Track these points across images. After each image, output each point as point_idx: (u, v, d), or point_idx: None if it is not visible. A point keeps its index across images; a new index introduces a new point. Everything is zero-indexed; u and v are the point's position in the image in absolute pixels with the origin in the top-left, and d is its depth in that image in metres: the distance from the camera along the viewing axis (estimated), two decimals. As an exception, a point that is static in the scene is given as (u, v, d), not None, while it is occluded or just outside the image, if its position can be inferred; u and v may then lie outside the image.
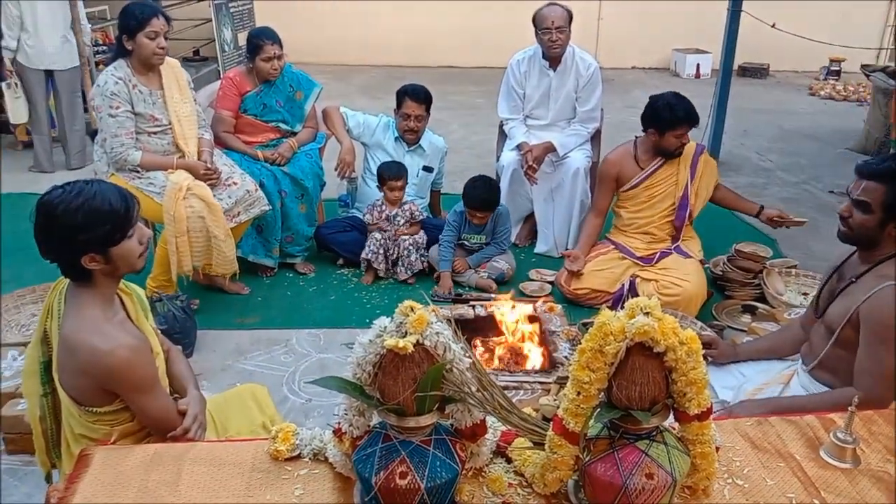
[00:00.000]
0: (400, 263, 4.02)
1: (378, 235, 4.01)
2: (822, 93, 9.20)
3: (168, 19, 3.36)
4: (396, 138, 4.27)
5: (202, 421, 1.87)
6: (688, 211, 3.67)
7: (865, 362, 2.02)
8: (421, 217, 4.14)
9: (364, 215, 4.13)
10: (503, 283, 3.98)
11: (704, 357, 2.71)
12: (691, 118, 3.54)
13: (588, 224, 3.95)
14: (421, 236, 4.08)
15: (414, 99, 4.17)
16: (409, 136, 4.24)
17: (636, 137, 3.75)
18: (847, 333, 2.09)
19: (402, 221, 4.05)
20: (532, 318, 3.16)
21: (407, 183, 4.08)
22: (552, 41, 4.16)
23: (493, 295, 3.74)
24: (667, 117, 3.49)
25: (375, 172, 4.19)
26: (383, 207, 4.07)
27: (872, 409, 1.82)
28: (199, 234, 3.36)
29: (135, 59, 3.34)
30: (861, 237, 2.13)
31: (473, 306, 3.34)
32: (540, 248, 4.50)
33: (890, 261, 2.07)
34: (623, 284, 3.66)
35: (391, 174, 4.02)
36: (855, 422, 1.62)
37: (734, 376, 2.43)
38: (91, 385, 1.71)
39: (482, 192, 3.96)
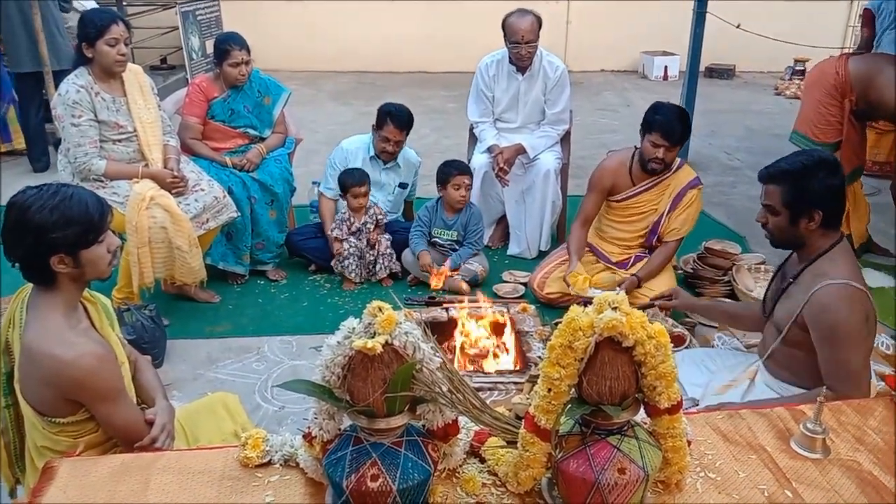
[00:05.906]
0: (379, 262, 4.01)
1: (346, 245, 3.96)
2: (788, 92, 9.32)
3: (128, 26, 3.31)
4: (372, 157, 4.15)
5: (170, 431, 1.85)
6: (656, 236, 3.65)
7: (827, 366, 2.06)
8: (384, 220, 4.11)
9: (332, 230, 4.01)
10: (476, 285, 3.97)
11: (662, 307, 2.73)
12: (669, 132, 3.35)
13: (574, 237, 3.70)
14: (388, 246, 4.05)
15: (396, 125, 4.01)
16: (386, 156, 4.16)
17: (636, 148, 3.58)
18: (794, 333, 2.13)
19: (372, 227, 4.04)
20: (500, 323, 3.16)
21: (370, 189, 4.00)
22: (520, 55, 4.18)
23: (466, 297, 3.74)
24: (647, 118, 3.45)
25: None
26: (351, 220, 4.00)
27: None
28: (160, 244, 3.30)
29: (96, 66, 3.29)
30: (784, 239, 2.18)
31: (447, 309, 3.34)
32: (513, 249, 4.51)
33: (824, 257, 2.11)
34: (596, 287, 3.66)
35: (354, 181, 3.92)
36: (824, 412, 1.64)
37: (702, 372, 2.45)
38: (54, 395, 1.68)
39: (459, 161, 4.17)
